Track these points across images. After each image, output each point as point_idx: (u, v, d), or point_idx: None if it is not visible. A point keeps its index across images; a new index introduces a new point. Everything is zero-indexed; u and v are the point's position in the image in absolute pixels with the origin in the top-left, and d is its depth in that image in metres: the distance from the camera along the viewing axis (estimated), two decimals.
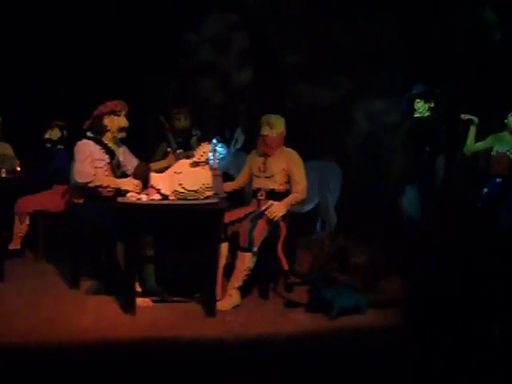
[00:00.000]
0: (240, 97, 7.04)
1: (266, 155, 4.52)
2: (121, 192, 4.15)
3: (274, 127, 4.48)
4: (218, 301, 3.97)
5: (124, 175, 4.51)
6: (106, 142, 4.41)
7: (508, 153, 5.49)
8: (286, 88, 7.11)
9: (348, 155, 6.88)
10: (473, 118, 5.56)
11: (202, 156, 3.82)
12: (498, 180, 5.55)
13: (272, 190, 4.45)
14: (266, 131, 4.48)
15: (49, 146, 5.71)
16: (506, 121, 5.49)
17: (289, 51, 7.04)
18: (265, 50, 7.00)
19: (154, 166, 4.58)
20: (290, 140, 4.50)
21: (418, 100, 5.75)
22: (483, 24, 4.22)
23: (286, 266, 4.13)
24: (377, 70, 6.78)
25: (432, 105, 5.75)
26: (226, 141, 5.99)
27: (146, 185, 4.06)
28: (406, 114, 5.94)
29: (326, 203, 5.84)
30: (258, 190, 4.49)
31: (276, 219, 4.18)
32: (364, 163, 6.78)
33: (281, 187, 4.47)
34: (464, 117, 5.60)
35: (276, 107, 6.89)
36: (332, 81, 6.97)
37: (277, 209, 4.20)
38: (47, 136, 5.69)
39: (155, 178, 3.82)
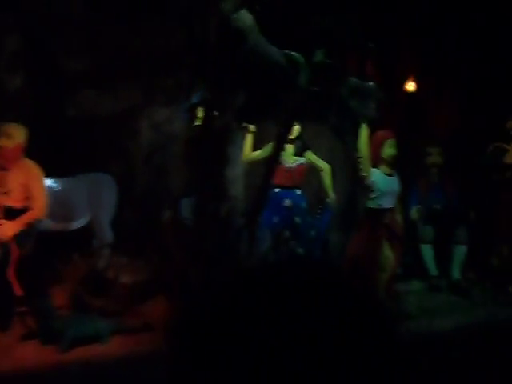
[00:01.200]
0: (10, 104, 6.32)
1: (2, 169, 3.94)
2: None
3: (12, 138, 3.95)
4: None
5: None
6: None
7: (284, 162, 5.40)
8: (66, 96, 6.52)
9: (132, 167, 6.45)
10: (249, 125, 5.41)
11: None
12: (276, 190, 5.45)
13: (9, 207, 3.87)
14: (1, 142, 3.91)
15: None
16: None
17: (71, 56, 6.46)
18: (40, 54, 6.36)
19: None
20: (60, 152, 3.98)
21: (200, 108, 5.52)
22: (238, 27, 4.00)
23: (18, 292, 3.57)
24: (163, 77, 6.44)
25: (216, 113, 5.53)
26: None
27: None
28: (188, 122, 5.67)
29: (99, 219, 5.34)
30: None
31: (5, 240, 3.62)
32: (148, 175, 6.39)
33: (18, 204, 3.90)
34: (240, 125, 5.44)
35: (53, 115, 6.36)
36: (117, 88, 6.51)
37: (6, 229, 3.63)
38: None
39: None
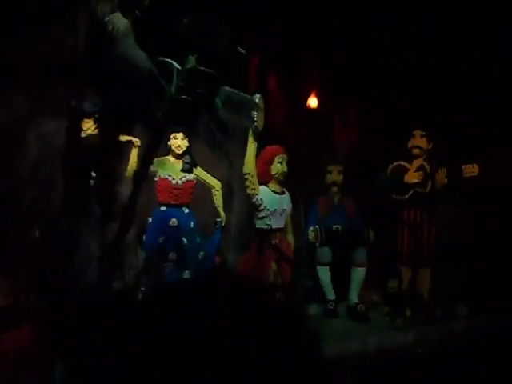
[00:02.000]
0: None
1: None
2: None
3: None
4: None
5: None
6: None
7: (170, 178, 5.06)
8: None
9: (17, 182, 5.96)
10: (133, 139, 5.06)
11: None
12: (163, 208, 5.10)
13: None
14: None
15: None
16: (169, 143, 5.08)
17: None
18: None
19: None
20: None
21: (87, 120, 5.15)
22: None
23: None
24: (54, 87, 6.00)
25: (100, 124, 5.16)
26: None
27: None
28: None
29: None
30: None
31: None
32: (33, 191, 5.92)
33: None
34: (123, 138, 5.10)
35: None
36: (5, 98, 6.02)
37: None
38: None
39: None
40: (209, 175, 5.27)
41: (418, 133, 5.70)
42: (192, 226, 5.16)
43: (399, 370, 4.52)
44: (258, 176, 4.72)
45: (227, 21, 5.03)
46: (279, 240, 4.77)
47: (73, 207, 3.84)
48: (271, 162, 4.77)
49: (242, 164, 4.58)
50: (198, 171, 5.21)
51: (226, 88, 3.81)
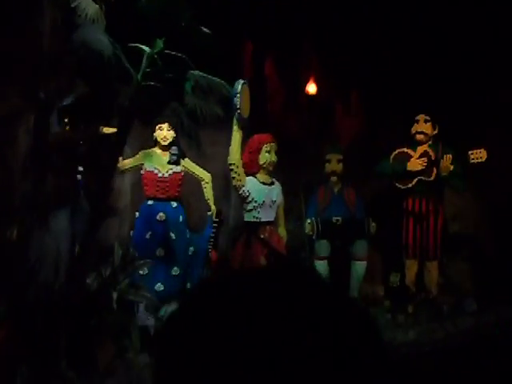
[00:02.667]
0: None
1: None
2: None
3: None
4: None
5: None
6: None
7: (156, 170, 4.85)
8: None
9: (9, 176, 5.83)
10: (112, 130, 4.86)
11: None
12: (150, 202, 4.90)
13: None
14: None
15: None
16: (154, 134, 4.86)
17: None
18: None
19: None
20: None
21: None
22: None
23: None
24: (42, 79, 5.85)
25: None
26: None
27: None
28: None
29: None
30: None
31: None
32: (26, 185, 5.78)
33: None
34: (107, 130, 4.90)
35: None
36: None
37: None
38: None
39: None
40: (198, 167, 5.03)
41: (422, 118, 5.36)
42: (181, 220, 4.94)
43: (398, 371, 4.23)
44: (245, 166, 4.46)
45: (222, 5, 4.79)
46: (269, 234, 4.51)
47: (37, 202, 3.63)
48: (258, 151, 4.50)
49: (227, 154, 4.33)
50: (186, 163, 4.98)
51: (195, 72, 3.56)
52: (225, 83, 3.68)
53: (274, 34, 5.70)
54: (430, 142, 5.35)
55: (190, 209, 5.17)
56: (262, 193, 4.48)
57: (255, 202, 4.46)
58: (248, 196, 4.44)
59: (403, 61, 5.67)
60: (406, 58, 5.66)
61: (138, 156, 4.90)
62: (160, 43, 3.51)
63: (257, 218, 4.49)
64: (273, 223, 4.60)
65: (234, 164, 4.31)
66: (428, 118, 5.33)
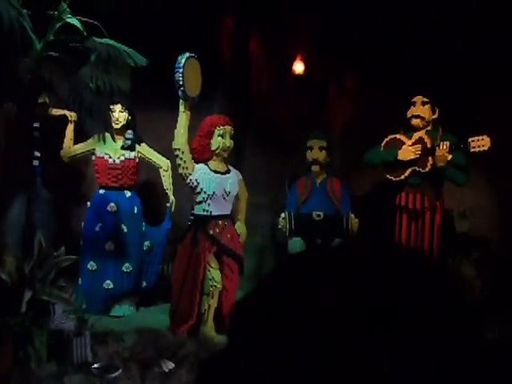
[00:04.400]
0: None
1: None
2: None
3: None
4: None
5: None
6: None
7: (106, 156, 4.41)
8: None
9: None
10: (68, 113, 4.46)
11: None
12: (101, 191, 4.47)
13: None
14: None
15: None
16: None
17: None
18: None
19: None
20: None
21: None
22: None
23: None
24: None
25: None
26: None
27: None
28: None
29: None
30: None
31: None
32: None
33: None
34: (56, 112, 4.52)
35: None
36: None
37: None
38: None
39: None
40: (155, 153, 4.55)
41: (419, 99, 4.62)
42: (136, 211, 4.49)
43: None
44: (196, 152, 3.93)
45: None
46: (220, 229, 3.96)
47: None
48: (210, 134, 3.95)
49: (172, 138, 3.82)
50: (143, 148, 4.52)
51: (95, 39, 3.05)
52: (134, 53, 3.16)
53: (259, 6, 5.12)
54: (428, 128, 4.63)
55: (147, 199, 4.71)
56: (212, 182, 3.93)
57: (204, 192, 3.92)
58: (197, 186, 3.91)
59: (401, 36, 4.96)
60: (404, 33, 4.95)
61: (89, 140, 4.48)
62: (64, 6, 3.04)
63: (206, 211, 3.95)
64: (227, 217, 4.04)
65: (179, 149, 3.80)
66: (426, 99, 4.60)
